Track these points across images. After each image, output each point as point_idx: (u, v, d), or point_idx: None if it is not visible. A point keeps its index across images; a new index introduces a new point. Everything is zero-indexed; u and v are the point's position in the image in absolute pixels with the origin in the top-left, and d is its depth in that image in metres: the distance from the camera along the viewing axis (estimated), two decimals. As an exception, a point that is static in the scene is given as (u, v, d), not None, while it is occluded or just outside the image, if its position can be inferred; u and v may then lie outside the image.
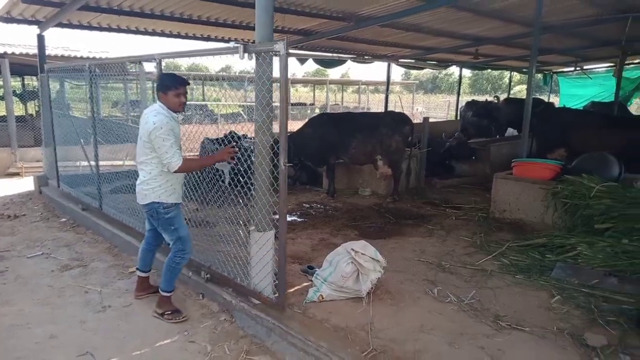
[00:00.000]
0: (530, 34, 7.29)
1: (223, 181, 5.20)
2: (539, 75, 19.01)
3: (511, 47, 11.11)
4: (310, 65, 37.72)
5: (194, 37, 9.04)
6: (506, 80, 27.02)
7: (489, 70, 27.31)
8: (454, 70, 29.89)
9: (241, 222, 3.79)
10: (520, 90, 31.08)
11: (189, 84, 3.30)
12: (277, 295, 3.20)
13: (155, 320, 3.40)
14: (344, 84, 34.62)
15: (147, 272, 3.78)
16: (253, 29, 7.90)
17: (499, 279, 3.89)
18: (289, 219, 5.56)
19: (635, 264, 3.87)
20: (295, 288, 3.64)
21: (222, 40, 9.27)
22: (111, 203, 5.57)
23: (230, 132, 7.41)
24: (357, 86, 30.78)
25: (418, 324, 3.11)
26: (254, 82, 3.07)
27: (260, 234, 3.24)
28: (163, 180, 3.26)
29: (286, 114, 2.98)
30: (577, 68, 16.80)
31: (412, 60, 12.99)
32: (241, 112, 17.96)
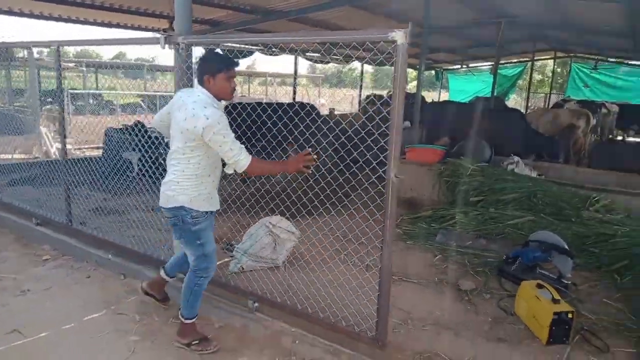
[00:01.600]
0: (421, 34, 8.22)
1: (131, 171, 5.30)
2: (432, 72, 20.83)
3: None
4: (216, 56, 36.69)
5: (94, 23, 8.74)
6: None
7: (388, 66, 29.06)
8: (357, 65, 31.48)
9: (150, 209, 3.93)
10: (415, 86, 33.53)
11: (238, 64, 2.81)
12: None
13: (81, 300, 3.50)
14: (250, 75, 34.61)
15: (169, 277, 3.27)
16: (155, 16, 7.93)
17: (394, 246, 4.54)
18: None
19: (498, 227, 4.78)
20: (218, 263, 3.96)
21: (119, 26, 9.03)
22: (13, 194, 5.37)
23: (137, 122, 7.35)
24: (264, 78, 30.99)
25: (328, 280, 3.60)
26: (175, 72, 3.29)
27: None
28: (198, 181, 2.69)
29: (399, 115, 2.45)
30: (464, 66, 18.75)
31: (318, 55, 13.64)
32: (141, 102, 17.10)
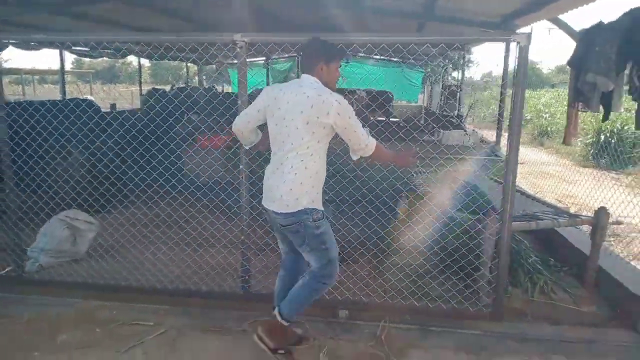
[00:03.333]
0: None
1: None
2: (213, 67, 21.39)
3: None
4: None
5: None
6: (185, 70, 28.87)
7: (167, 60, 28.49)
8: (132, 59, 29.68)
9: None
10: (197, 81, 33.66)
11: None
12: None
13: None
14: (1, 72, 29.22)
15: None
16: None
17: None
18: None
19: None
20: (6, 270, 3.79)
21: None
22: None
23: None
24: (19, 75, 26.71)
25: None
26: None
27: None
28: (318, 178, 2.51)
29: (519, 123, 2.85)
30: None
31: (87, 49, 12.71)
32: None
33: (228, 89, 20.49)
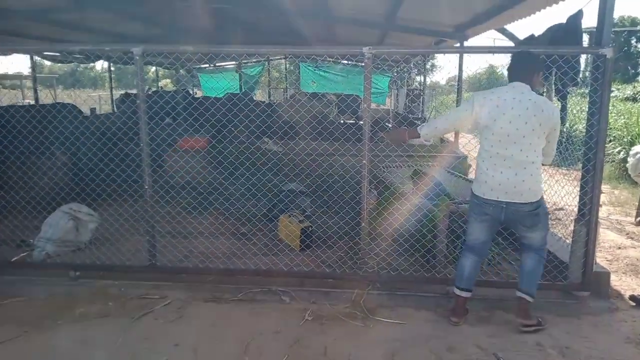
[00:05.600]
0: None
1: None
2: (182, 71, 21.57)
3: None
4: None
5: None
6: (152, 74, 28.83)
7: (130, 66, 28.30)
8: (94, 64, 29.37)
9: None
10: (166, 84, 33.56)
11: None
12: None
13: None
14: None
15: (471, 292, 3.25)
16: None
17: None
18: None
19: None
20: (16, 258, 4.18)
21: None
22: None
23: None
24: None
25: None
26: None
27: None
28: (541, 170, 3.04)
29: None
30: (211, 65, 20.17)
31: (57, 54, 12.77)
32: None
33: (198, 92, 20.80)
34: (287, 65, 21.58)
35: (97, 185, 4.41)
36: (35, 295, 3.60)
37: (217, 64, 20.19)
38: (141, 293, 3.59)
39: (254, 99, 15.94)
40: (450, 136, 7.96)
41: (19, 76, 24.07)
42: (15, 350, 2.92)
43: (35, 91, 12.70)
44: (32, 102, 12.84)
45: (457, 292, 3.21)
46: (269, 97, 18.29)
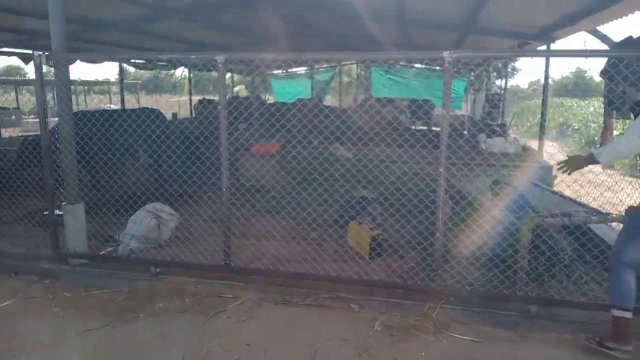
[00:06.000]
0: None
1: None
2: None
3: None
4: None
5: None
6: (228, 80, 30.12)
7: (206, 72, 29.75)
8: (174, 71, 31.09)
9: None
10: (240, 89, 34.90)
11: None
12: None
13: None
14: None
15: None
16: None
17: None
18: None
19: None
20: (104, 252, 4.49)
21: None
22: None
23: None
24: (73, 87, 28.55)
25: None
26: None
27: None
28: None
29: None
30: (283, 71, 20.67)
31: (143, 61, 13.69)
32: None
33: (270, 98, 21.40)
34: (359, 70, 21.53)
35: (180, 186, 4.63)
36: (119, 288, 3.84)
37: (289, 70, 20.67)
38: (216, 291, 3.71)
39: (325, 104, 16.13)
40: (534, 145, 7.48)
41: (107, 82, 26.07)
42: (103, 338, 3.14)
43: (122, 96, 13.74)
44: (116, 107, 13.86)
45: (627, 314, 2.89)
46: (340, 103, 18.33)
